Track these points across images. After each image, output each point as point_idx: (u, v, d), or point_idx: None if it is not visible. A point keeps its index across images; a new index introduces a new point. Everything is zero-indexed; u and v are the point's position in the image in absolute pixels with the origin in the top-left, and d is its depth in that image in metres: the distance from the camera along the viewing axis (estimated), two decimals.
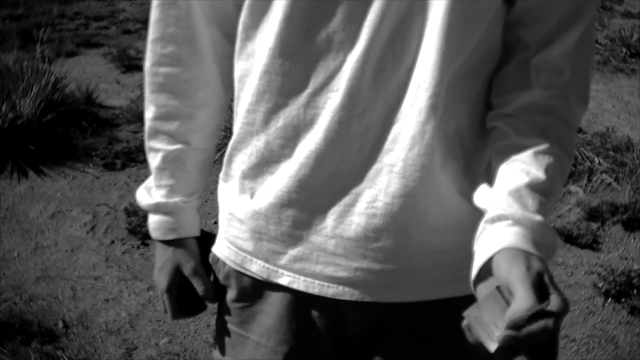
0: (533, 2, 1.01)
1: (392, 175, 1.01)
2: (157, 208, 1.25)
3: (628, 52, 7.22)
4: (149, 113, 1.24)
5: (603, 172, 4.27)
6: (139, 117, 4.91)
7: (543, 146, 0.99)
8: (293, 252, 1.10)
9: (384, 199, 1.02)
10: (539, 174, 0.97)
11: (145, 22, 8.14)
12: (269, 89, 1.04)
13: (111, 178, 4.27)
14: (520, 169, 0.98)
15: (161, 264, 1.27)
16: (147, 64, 1.21)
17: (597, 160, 4.33)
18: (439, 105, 0.97)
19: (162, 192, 1.25)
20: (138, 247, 3.58)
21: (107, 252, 3.56)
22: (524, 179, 0.96)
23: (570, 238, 3.67)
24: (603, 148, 4.52)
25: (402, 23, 0.96)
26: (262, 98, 1.05)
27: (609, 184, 4.18)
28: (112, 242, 3.65)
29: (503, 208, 0.94)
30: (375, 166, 1.02)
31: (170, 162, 1.24)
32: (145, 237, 3.61)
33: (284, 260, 1.11)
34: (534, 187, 0.95)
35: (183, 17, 1.16)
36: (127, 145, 4.57)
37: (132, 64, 6.47)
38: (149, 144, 1.25)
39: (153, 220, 1.27)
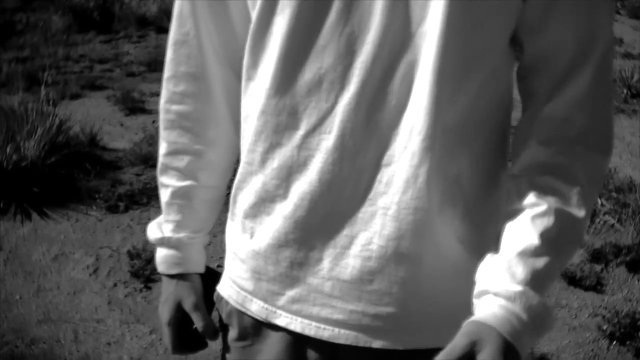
0: (541, 42, 1.01)
1: (387, 218, 1.01)
2: (163, 242, 1.28)
3: (629, 92, 7.24)
4: (161, 149, 1.27)
5: (606, 214, 4.27)
6: (143, 160, 4.93)
7: (541, 208, 0.97)
8: (291, 293, 1.10)
9: (378, 241, 1.02)
10: (532, 240, 0.95)
11: (149, 65, 8.22)
12: (265, 129, 1.06)
13: (114, 220, 4.27)
14: (514, 237, 0.97)
15: (165, 298, 1.29)
16: (161, 101, 1.25)
17: (599, 202, 4.33)
18: (433, 149, 0.97)
19: (170, 227, 1.27)
20: (141, 290, 3.57)
21: (109, 295, 3.55)
22: (516, 248, 0.95)
23: (573, 280, 3.65)
24: (605, 189, 4.52)
25: (394, 64, 0.97)
26: (260, 138, 1.07)
27: (612, 225, 4.18)
28: (115, 284, 3.64)
29: (487, 282, 0.94)
30: (370, 209, 1.02)
31: (178, 198, 1.26)
32: (147, 280, 3.60)
33: (282, 301, 1.12)
34: (526, 255, 0.94)
35: (194, 56, 1.19)
36: (130, 188, 4.57)
37: (136, 107, 6.50)
38: (160, 179, 1.28)
39: (159, 254, 1.29)
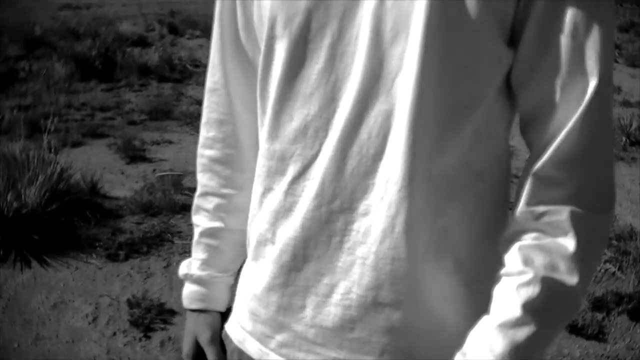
0: (532, 96, 0.98)
1: (365, 268, 1.02)
2: (187, 277, 1.34)
3: (628, 140, 7.29)
4: (197, 191, 1.33)
5: (607, 262, 4.26)
6: (143, 208, 4.94)
7: (527, 277, 0.93)
8: (279, 337, 1.12)
9: (357, 290, 1.03)
10: (515, 311, 0.92)
11: (150, 114, 8.28)
12: (262, 173, 1.10)
13: (114, 269, 4.26)
14: (498, 305, 0.95)
15: (186, 331, 1.35)
16: (198, 145, 1.32)
17: None
18: (412, 200, 0.97)
19: (196, 264, 1.33)
20: (140, 339, 3.55)
21: (108, 343, 3.52)
22: (498, 318, 0.94)
23: (575, 329, 3.63)
24: None
25: (371, 113, 0.98)
26: (258, 181, 1.12)
27: (613, 274, 4.17)
28: (114, 333, 3.61)
29: (467, 349, 0.95)
30: (349, 258, 1.03)
31: (206, 238, 1.32)
32: (147, 329, 3.58)
33: (272, 344, 1.13)
34: (506, 326, 0.92)
35: (223, 104, 1.26)
36: (130, 237, 4.57)
37: (137, 155, 6.53)
38: (193, 218, 1.35)
39: (185, 289, 1.35)
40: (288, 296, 1.09)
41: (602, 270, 4.16)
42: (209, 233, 1.31)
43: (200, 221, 1.33)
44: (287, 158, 1.06)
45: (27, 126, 7.05)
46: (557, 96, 0.94)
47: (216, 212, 1.31)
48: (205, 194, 1.32)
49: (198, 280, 1.32)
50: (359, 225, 1.01)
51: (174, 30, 21.35)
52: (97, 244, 4.51)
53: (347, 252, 1.03)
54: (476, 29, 0.93)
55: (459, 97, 0.97)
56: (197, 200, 1.34)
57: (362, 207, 1.01)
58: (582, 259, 0.94)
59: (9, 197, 4.44)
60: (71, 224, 4.75)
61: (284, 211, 1.07)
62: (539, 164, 0.95)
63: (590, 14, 0.92)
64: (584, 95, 0.92)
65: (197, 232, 1.33)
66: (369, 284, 1.02)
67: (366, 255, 1.01)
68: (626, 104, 9.68)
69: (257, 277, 1.14)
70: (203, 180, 1.32)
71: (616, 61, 15.08)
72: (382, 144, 0.98)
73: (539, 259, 0.94)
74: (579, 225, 0.94)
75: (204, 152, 1.31)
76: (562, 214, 0.94)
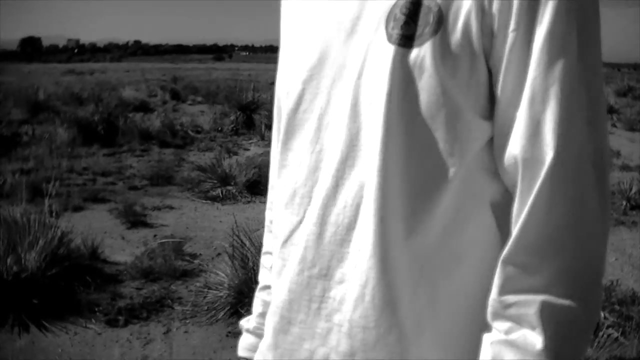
0: (504, 176, 0.95)
1: (341, 335, 1.03)
2: (243, 328, 1.37)
3: (628, 204, 7.33)
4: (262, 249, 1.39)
5: (609, 327, 4.23)
6: (143, 274, 4.93)
7: None
8: None
9: (335, 357, 1.04)
10: None
11: (151, 179, 8.33)
12: (268, 237, 1.19)
13: (113, 334, 4.22)
14: None
15: None
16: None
17: (602, 315, 4.30)
18: (384, 271, 0.97)
19: (252, 316, 1.36)
20: None
21: None
22: None
23: None
24: (608, 302, 4.49)
25: (346, 182, 1.00)
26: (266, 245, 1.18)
27: (616, 339, 4.13)
28: None
29: None
30: (327, 325, 1.04)
31: (262, 293, 1.35)
32: None
33: None
34: None
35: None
36: (130, 302, 4.54)
37: (138, 220, 6.55)
38: (259, 276, 1.39)
39: (240, 339, 1.38)
40: (278, 358, 1.12)
41: (605, 336, 4.13)
42: (265, 289, 1.34)
43: (260, 277, 1.36)
44: (280, 223, 1.10)
45: (28, 190, 7.10)
46: (519, 175, 0.90)
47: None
48: (266, 253, 1.36)
49: (251, 331, 1.35)
50: (336, 292, 1.03)
51: (176, 96, 21.60)
52: (96, 309, 4.49)
53: (324, 319, 1.04)
54: (438, 105, 0.93)
55: (425, 173, 0.96)
56: (261, 258, 1.38)
57: (338, 275, 1.02)
58: (555, 355, 0.87)
59: (8, 261, 4.44)
60: (71, 289, 4.73)
61: (277, 273, 1.11)
62: (506, 250, 0.90)
63: (550, 83, 0.88)
64: (539, 172, 0.88)
65: (257, 287, 1.37)
66: (345, 351, 1.03)
67: (341, 323, 1.02)
68: (625, 167, 9.76)
69: (265, 334, 1.18)
70: (265, 239, 1.37)
71: (614, 125, 15.24)
72: (355, 214, 1.00)
73: (509, 357, 0.89)
74: (549, 319, 0.87)
75: (267, 214, 1.36)
76: (532, 306, 0.88)
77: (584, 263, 0.89)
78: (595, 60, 0.90)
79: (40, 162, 9.07)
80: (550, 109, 0.87)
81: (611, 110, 17.34)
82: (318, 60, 1.05)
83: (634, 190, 7.50)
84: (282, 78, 1.14)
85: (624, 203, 7.34)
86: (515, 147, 0.90)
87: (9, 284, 4.35)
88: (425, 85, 0.93)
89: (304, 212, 1.05)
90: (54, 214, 5.79)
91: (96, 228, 6.16)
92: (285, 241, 1.09)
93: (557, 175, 0.87)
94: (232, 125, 12.96)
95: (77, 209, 7.03)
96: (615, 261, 5.67)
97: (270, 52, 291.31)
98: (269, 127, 12.39)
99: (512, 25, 0.89)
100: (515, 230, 0.90)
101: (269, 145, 11.24)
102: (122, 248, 5.75)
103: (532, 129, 0.88)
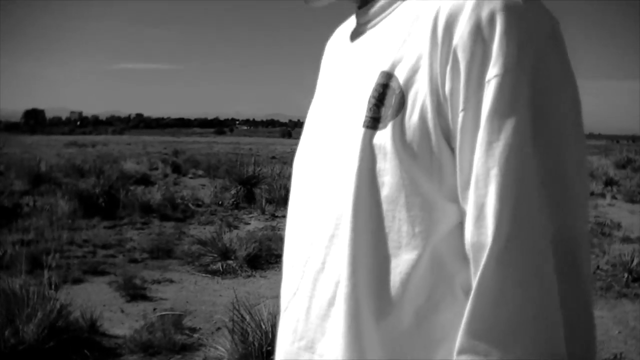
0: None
1: None
2: None
3: (630, 276, 7.30)
4: None
5: None
6: (142, 348, 4.89)
7: None
8: None
9: None
10: None
11: (151, 252, 8.31)
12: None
13: None
14: None
15: None
16: None
17: None
18: (354, 350, 0.96)
19: None
20: None
21: None
22: None
23: None
24: None
25: (327, 258, 1.02)
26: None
27: None
28: None
29: None
30: None
31: None
32: None
33: None
34: None
35: None
36: None
37: (137, 293, 6.52)
38: None
39: None
40: None
41: None
42: None
43: None
44: (283, 292, 1.13)
45: (28, 261, 7.07)
46: (471, 260, 0.88)
47: None
48: None
49: None
50: None
51: (177, 169, 21.73)
52: None
53: None
54: (398, 187, 0.94)
55: (392, 253, 0.95)
56: None
57: (319, 349, 1.04)
58: None
59: (6, 333, 4.41)
60: None
61: (278, 339, 1.13)
62: (458, 339, 0.88)
63: (490, 165, 0.86)
64: (482, 256, 0.85)
65: None
66: None
67: None
68: (626, 240, 9.76)
69: None
70: None
71: (615, 197, 15.28)
72: (334, 290, 1.01)
73: None
74: None
75: None
76: None
77: (539, 354, 0.82)
78: (558, 135, 0.86)
79: (41, 234, 9.06)
80: (492, 191, 0.84)
81: (611, 182, 17.49)
82: (312, 136, 1.13)
83: (635, 262, 7.47)
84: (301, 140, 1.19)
85: (626, 275, 7.32)
86: (467, 231, 0.88)
87: (7, 356, 4.31)
88: (389, 166, 0.94)
89: (298, 285, 1.08)
90: (53, 286, 5.76)
91: (95, 301, 6.12)
92: (284, 311, 1.12)
93: (500, 259, 0.83)
94: (233, 199, 12.99)
95: (77, 281, 7.00)
96: (619, 334, 5.62)
97: (271, 126, 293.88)
98: (270, 201, 12.45)
99: (461, 105, 0.88)
100: (464, 317, 0.87)
101: (269, 219, 11.27)
102: (122, 321, 5.71)
103: (477, 213, 0.86)
